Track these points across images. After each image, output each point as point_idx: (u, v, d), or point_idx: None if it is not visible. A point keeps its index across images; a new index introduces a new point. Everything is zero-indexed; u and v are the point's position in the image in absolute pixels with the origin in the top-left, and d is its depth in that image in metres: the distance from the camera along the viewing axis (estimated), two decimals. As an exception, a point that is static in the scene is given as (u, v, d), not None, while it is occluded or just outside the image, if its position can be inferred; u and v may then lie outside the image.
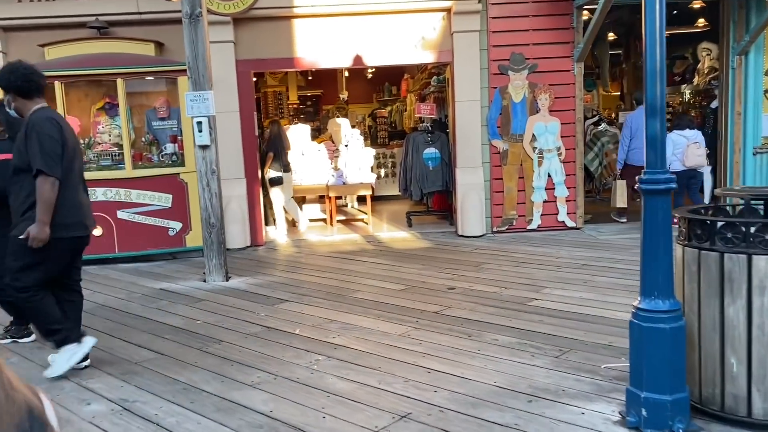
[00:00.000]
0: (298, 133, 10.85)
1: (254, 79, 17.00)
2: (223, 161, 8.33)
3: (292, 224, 10.13)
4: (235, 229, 8.42)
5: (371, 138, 14.10)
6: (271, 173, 9.39)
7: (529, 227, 8.78)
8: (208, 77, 6.49)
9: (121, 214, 7.86)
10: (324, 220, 10.53)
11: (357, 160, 10.37)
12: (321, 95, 19.39)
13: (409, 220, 9.75)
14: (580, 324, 4.81)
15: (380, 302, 5.64)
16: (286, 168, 9.60)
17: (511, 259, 7.19)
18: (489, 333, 4.69)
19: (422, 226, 9.64)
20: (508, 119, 8.63)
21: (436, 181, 9.39)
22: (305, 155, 10.53)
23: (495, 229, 8.78)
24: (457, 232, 8.78)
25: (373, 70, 18.06)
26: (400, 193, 10.14)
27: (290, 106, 17.88)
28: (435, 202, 10.33)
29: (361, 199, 11.26)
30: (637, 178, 3.13)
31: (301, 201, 11.15)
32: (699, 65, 14.75)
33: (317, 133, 14.86)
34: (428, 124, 9.58)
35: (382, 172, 13.31)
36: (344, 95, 12.04)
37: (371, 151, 10.58)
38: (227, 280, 6.72)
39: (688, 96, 16.03)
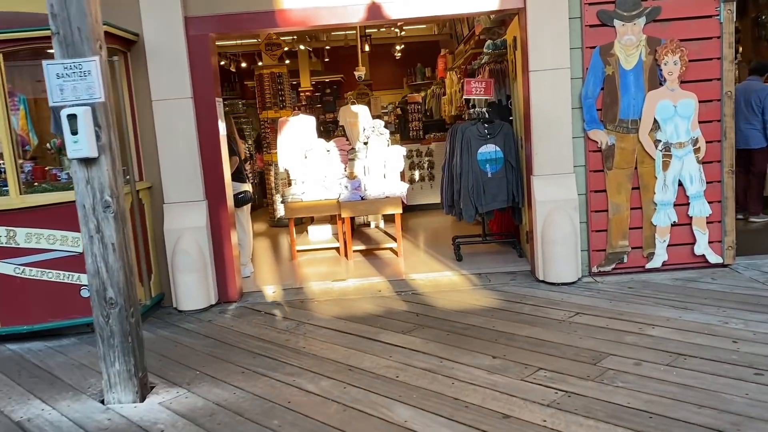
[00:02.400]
0: (299, 128, 7.85)
1: (240, 63, 14.05)
2: (169, 176, 5.40)
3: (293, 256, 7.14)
4: (190, 280, 5.43)
5: (401, 131, 11.00)
6: (234, 187, 6.42)
7: (648, 265, 5.61)
8: (89, 33, 3.48)
9: (4, 267, 4.95)
10: (337, 249, 7.50)
11: (381, 162, 7.31)
12: (342, 81, 16.37)
13: (457, 250, 6.65)
14: None
15: (421, 498, 2.57)
16: (247, 177, 6.67)
17: (648, 341, 4.05)
18: None
19: (478, 259, 6.53)
20: (615, 97, 5.46)
21: (497, 194, 6.27)
22: (309, 158, 7.51)
23: (596, 269, 5.63)
24: (536, 274, 5.66)
25: (402, 47, 15.00)
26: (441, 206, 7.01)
27: (304, 95, 14.91)
28: (495, 221, 7.21)
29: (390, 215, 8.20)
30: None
31: (307, 222, 8.15)
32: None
33: (334, 128, 11.84)
34: (483, 110, 6.46)
35: (416, 174, 10.24)
36: (361, 72, 8.97)
37: (401, 150, 7.51)
38: (142, 400, 3.73)
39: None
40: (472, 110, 6.68)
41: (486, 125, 6.30)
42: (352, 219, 8.10)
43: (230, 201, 5.75)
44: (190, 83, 5.44)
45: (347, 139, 7.92)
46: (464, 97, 6.70)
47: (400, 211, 6.91)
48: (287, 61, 15.44)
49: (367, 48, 11.39)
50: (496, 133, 6.26)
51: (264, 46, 9.66)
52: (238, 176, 6.48)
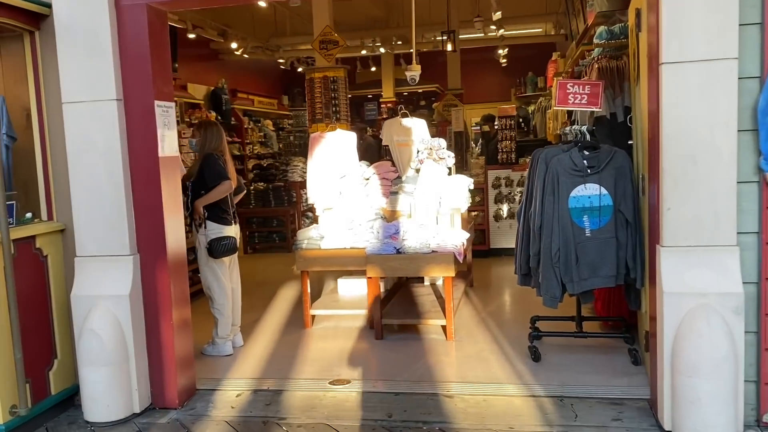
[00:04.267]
0: (334, 147, 5.87)
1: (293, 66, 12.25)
2: (82, 216, 3.64)
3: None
4: (99, 378, 3.55)
5: (487, 153, 8.73)
6: (214, 229, 4.52)
7: None
8: None
9: None
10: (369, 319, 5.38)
11: (434, 199, 5.16)
12: (438, 91, 14.27)
13: (534, 341, 4.33)
14: None
15: None
16: (234, 219, 4.71)
17: None
18: None
19: (566, 362, 4.19)
20: (826, 111, 2.99)
21: (600, 264, 3.91)
22: (340, 188, 5.50)
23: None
24: (658, 416, 3.27)
25: (506, 51, 12.70)
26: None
27: (386, 106, 13.00)
28: (600, 298, 4.82)
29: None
30: None
31: (334, 275, 6.10)
32: None
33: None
34: (583, 128, 4.14)
35: (504, 209, 7.97)
36: (414, 73, 6.75)
37: (465, 182, 5.34)
38: None
39: None
40: (569, 128, 4.36)
41: (587, 152, 3.98)
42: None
43: (177, 255, 3.82)
44: (116, 78, 3.59)
45: (393, 164, 5.82)
46: (556, 106, 4.39)
47: (452, 273, 4.69)
48: (373, 68, 13.67)
49: (450, 47, 9.24)
50: (602, 166, 3.91)
51: (318, 43, 7.78)
52: (219, 215, 4.57)
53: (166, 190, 3.70)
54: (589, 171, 3.93)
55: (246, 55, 10.90)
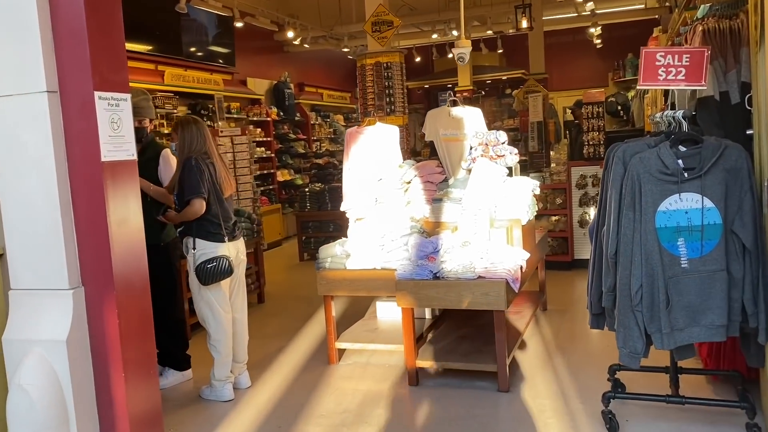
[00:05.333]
0: (371, 144, 4.93)
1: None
2: (15, 240, 2.94)
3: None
4: (26, 447, 2.81)
5: (572, 147, 7.45)
6: (204, 248, 3.69)
7: None
8: None
9: None
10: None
11: (488, 207, 4.10)
12: (524, 78, 12.98)
13: (609, 406, 3.20)
14: None
15: None
16: (233, 234, 3.85)
17: None
18: None
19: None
20: None
21: (703, 308, 2.74)
22: (377, 196, 4.56)
23: None
24: None
25: (599, 30, 11.27)
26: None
27: (461, 96, 11.87)
28: (706, 349, 3.61)
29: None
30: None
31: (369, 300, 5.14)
32: None
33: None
34: (680, 113, 2.96)
35: (590, 213, 6.75)
36: (462, 50, 5.63)
37: (528, 185, 4.24)
38: None
39: None
40: (657, 115, 3.19)
41: (683, 148, 2.82)
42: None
43: (133, 287, 3.00)
44: (46, 63, 2.80)
45: (440, 165, 4.78)
46: (640, 85, 3.22)
47: (502, 307, 3.62)
48: (450, 55, 12.59)
49: (525, 24, 8.03)
50: (705, 167, 2.74)
51: (370, 25, 6.86)
52: (209, 231, 3.74)
53: (114, 205, 2.89)
54: (686, 175, 2.76)
55: (306, 45, 10.15)
